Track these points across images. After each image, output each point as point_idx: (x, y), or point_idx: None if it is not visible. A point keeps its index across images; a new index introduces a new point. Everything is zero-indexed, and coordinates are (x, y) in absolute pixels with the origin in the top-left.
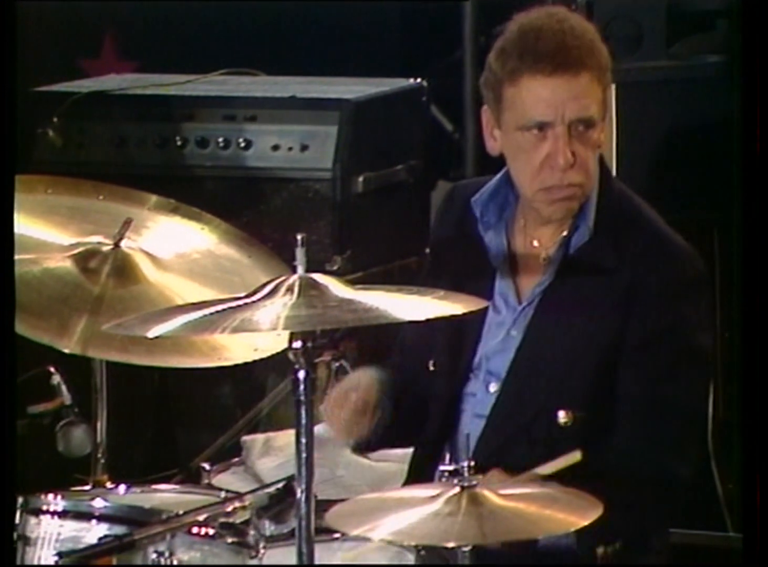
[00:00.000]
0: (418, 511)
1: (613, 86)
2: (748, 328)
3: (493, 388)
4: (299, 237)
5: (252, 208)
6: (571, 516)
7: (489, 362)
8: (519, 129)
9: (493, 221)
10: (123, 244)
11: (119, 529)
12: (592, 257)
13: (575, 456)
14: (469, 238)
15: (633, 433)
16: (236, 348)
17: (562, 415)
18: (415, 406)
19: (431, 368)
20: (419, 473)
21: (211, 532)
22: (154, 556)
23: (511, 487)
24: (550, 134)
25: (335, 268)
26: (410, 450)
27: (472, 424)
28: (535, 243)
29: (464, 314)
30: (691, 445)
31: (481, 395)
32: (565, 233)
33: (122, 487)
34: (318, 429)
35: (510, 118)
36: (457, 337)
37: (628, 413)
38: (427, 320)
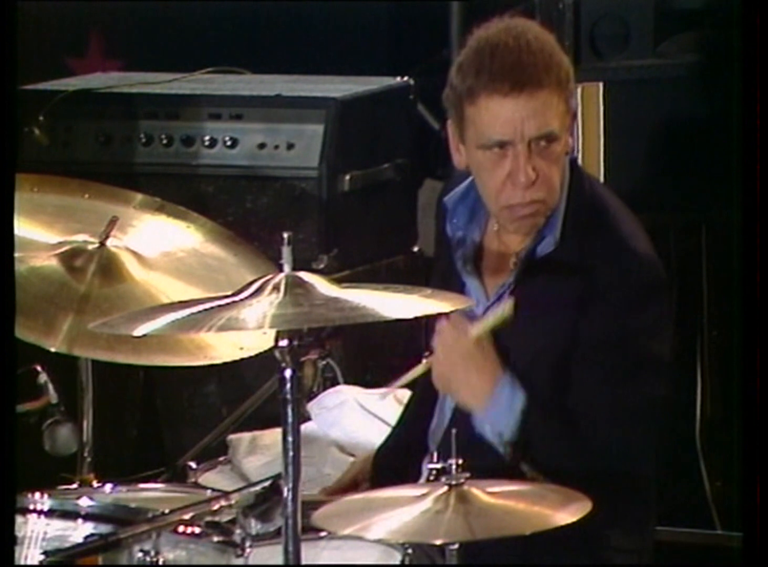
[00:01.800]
0: (406, 509)
1: (601, 85)
2: (746, 328)
3: None
4: (285, 235)
5: (238, 207)
6: (559, 512)
7: None
8: (479, 147)
9: (462, 223)
10: (109, 242)
11: (105, 528)
12: (557, 265)
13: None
14: (445, 238)
15: (592, 434)
16: (222, 347)
17: None
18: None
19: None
20: (391, 465)
21: (197, 530)
22: (139, 554)
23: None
24: (510, 152)
25: (322, 266)
26: None
27: (442, 417)
28: (506, 245)
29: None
30: (650, 447)
31: None
32: (532, 240)
33: (108, 486)
34: (305, 427)
35: (471, 136)
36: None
37: (586, 415)
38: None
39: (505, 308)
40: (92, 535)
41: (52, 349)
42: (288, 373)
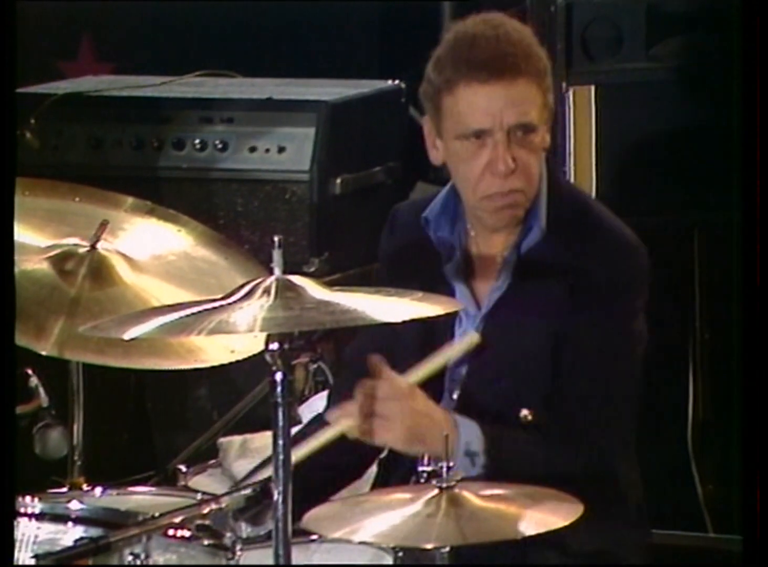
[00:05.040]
0: (397, 513)
1: (593, 88)
2: (746, 330)
3: (456, 394)
4: (276, 239)
5: (229, 210)
6: (552, 516)
7: (453, 371)
8: (458, 138)
9: (446, 233)
10: (99, 245)
11: (95, 531)
12: (545, 257)
13: (473, 337)
14: (423, 254)
15: (566, 429)
16: (213, 350)
17: (525, 412)
18: None
19: None
20: (389, 475)
21: (187, 534)
22: (130, 558)
23: (489, 488)
24: (489, 141)
25: (312, 269)
26: None
27: None
28: (489, 249)
29: (439, 318)
30: (618, 440)
31: (446, 403)
32: (517, 236)
33: (98, 490)
34: (295, 430)
35: (449, 128)
36: (428, 351)
37: (574, 408)
38: (392, 332)
39: (474, 336)
40: (83, 538)
41: (43, 353)
42: (279, 376)
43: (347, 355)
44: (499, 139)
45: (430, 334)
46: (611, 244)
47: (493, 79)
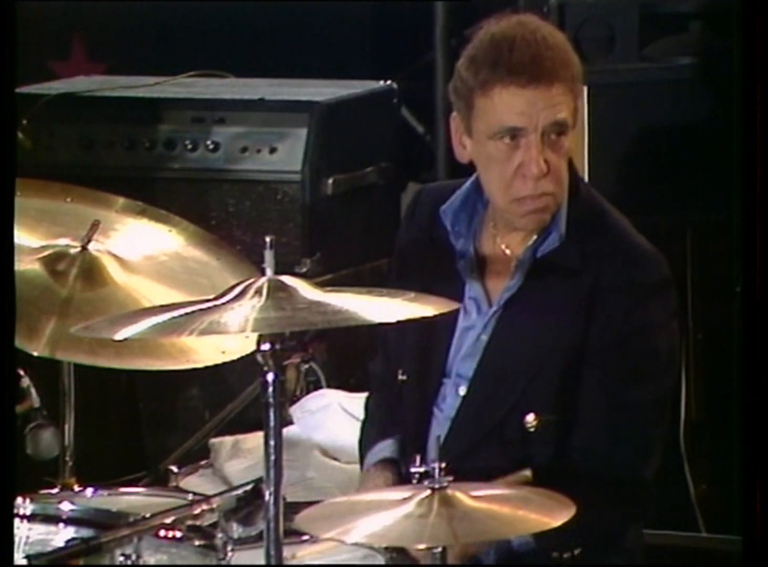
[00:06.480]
0: (390, 513)
1: (586, 88)
2: (747, 329)
3: (462, 391)
4: (268, 239)
5: (220, 211)
6: (544, 517)
7: (459, 366)
8: (491, 138)
9: (463, 230)
10: (91, 246)
11: (86, 532)
12: (560, 262)
13: (525, 475)
14: (438, 245)
15: (598, 435)
16: (204, 350)
17: (530, 419)
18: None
19: (400, 377)
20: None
21: (178, 534)
22: (121, 558)
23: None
24: (522, 143)
25: (304, 270)
26: None
27: (442, 427)
28: (505, 248)
29: (435, 317)
30: (655, 447)
31: (451, 399)
32: (535, 239)
33: (90, 490)
34: (287, 431)
35: (482, 127)
36: (429, 343)
37: (592, 416)
38: (398, 327)
39: (526, 474)
40: (74, 539)
41: (35, 353)
42: (270, 376)
43: (379, 349)
44: (533, 141)
45: (432, 328)
46: (626, 254)
47: (532, 83)
